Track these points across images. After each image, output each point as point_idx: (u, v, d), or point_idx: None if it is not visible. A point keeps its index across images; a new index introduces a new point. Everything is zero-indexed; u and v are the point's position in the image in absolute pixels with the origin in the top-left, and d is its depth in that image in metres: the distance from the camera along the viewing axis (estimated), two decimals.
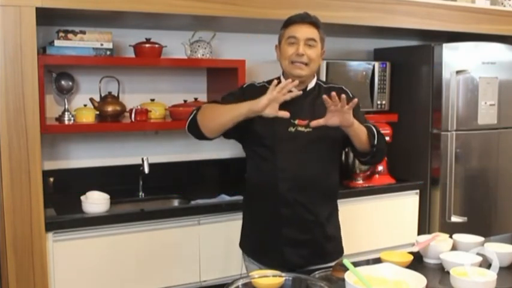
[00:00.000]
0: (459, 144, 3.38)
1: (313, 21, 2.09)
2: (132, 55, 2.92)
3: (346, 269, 1.57)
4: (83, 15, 2.57)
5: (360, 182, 3.23)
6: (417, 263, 1.91)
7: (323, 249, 2.14)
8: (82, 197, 2.56)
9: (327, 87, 2.20)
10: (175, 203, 2.96)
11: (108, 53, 2.79)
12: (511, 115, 3.58)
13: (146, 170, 2.89)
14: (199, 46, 3.00)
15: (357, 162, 3.16)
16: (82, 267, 2.47)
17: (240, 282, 1.57)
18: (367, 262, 1.93)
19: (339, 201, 2.25)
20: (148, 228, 2.59)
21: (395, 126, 3.39)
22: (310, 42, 2.07)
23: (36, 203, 2.35)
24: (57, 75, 2.82)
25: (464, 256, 1.85)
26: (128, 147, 3.12)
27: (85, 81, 2.98)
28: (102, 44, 2.77)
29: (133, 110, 2.83)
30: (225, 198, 2.84)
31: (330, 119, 1.96)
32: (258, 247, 2.20)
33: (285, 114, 1.97)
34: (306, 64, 2.06)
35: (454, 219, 3.37)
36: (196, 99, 3.11)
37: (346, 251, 2.25)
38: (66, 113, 2.77)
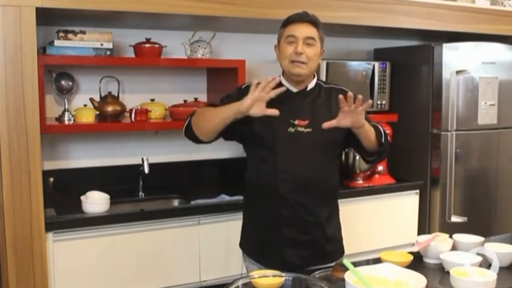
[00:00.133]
0: (459, 144, 3.38)
1: (312, 20, 2.09)
2: (132, 55, 2.92)
3: (346, 269, 1.57)
4: (83, 15, 2.57)
5: (360, 182, 3.23)
6: (417, 263, 1.91)
7: (323, 250, 2.14)
8: (82, 197, 2.56)
9: (327, 87, 2.20)
10: (175, 203, 2.96)
11: (108, 53, 2.79)
12: (511, 115, 3.58)
13: (146, 170, 2.89)
14: (199, 46, 3.00)
15: (356, 162, 3.16)
16: (82, 267, 2.47)
17: (240, 282, 1.57)
18: (367, 262, 1.93)
19: (339, 201, 2.25)
20: (148, 228, 2.59)
21: (395, 126, 3.39)
22: (309, 41, 2.06)
23: (36, 203, 2.35)
24: (57, 75, 2.82)
25: (464, 256, 1.85)
26: (128, 147, 3.12)
27: (85, 81, 2.98)
28: (102, 44, 2.77)
29: (133, 110, 2.83)
30: (225, 198, 2.84)
31: (342, 120, 1.96)
32: (258, 248, 2.20)
33: (274, 112, 1.97)
34: (305, 63, 2.06)
35: (454, 219, 3.37)
36: (196, 99, 3.11)
37: (346, 251, 2.25)
38: (66, 113, 2.77)
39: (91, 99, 2.83)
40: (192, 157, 3.26)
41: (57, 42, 2.68)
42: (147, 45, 2.87)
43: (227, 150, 3.30)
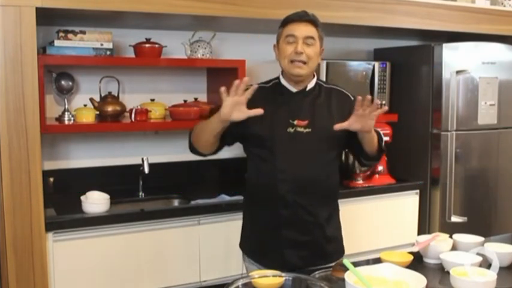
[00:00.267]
0: (459, 144, 3.38)
1: (311, 20, 2.08)
2: (132, 55, 2.92)
3: (346, 269, 1.57)
4: (83, 15, 2.57)
5: (360, 182, 3.23)
6: (417, 263, 1.91)
7: (323, 250, 2.13)
8: (82, 197, 2.56)
9: (328, 87, 2.19)
10: (175, 203, 2.96)
11: (108, 53, 2.79)
12: (511, 115, 3.58)
13: (146, 170, 2.89)
14: (199, 46, 3.00)
15: (357, 162, 3.16)
16: (82, 267, 2.47)
17: (240, 282, 1.57)
18: (367, 262, 1.93)
19: (339, 201, 2.25)
20: (148, 228, 2.59)
21: (395, 126, 3.39)
22: (309, 41, 2.06)
23: (36, 203, 2.34)
24: (57, 75, 2.82)
25: (464, 256, 1.85)
26: (128, 147, 3.12)
27: (85, 81, 2.98)
28: (102, 44, 2.77)
29: (133, 110, 2.83)
30: (225, 198, 2.84)
31: (354, 124, 1.96)
32: (258, 248, 2.19)
33: (258, 111, 1.95)
34: (305, 63, 2.05)
35: (454, 219, 3.37)
36: (196, 99, 3.12)
37: (346, 251, 2.25)
38: (66, 113, 2.77)
39: (91, 99, 2.83)
40: (192, 157, 3.21)
41: (57, 42, 2.68)
42: (147, 45, 2.87)
43: (227, 150, 3.26)
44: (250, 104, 2.10)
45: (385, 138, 2.02)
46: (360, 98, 1.92)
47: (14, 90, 2.28)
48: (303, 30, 2.05)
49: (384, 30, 3.25)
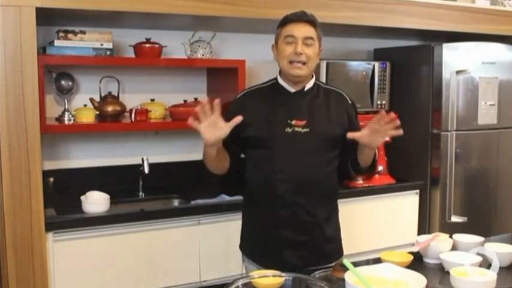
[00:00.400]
0: (459, 144, 3.38)
1: (310, 20, 2.08)
2: (132, 55, 2.92)
3: (346, 269, 1.57)
4: (83, 15, 2.57)
5: (360, 182, 3.23)
6: (417, 263, 1.91)
7: (322, 251, 2.13)
8: (82, 197, 2.56)
9: (326, 88, 2.20)
10: (175, 203, 2.96)
11: (108, 53, 2.79)
12: (511, 115, 3.58)
13: (146, 170, 2.90)
14: (199, 46, 3.00)
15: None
16: (82, 267, 2.47)
17: (240, 282, 1.57)
18: (367, 262, 1.93)
19: (339, 201, 2.25)
20: (148, 228, 2.59)
21: None
22: (308, 41, 2.05)
23: (36, 203, 2.34)
24: (57, 75, 2.82)
25: (464, 256, 1.85)
26: (128, 147, 3.12)
27: (85, 81, 2.98)
28: (102, 44, 2.77)
29: (133, 110, 2.83)
30: (225, 198, 2.84)
31: (365, 137, 1.95)
32: (257, 249, 2.19)
33: (236, 120, 1.91)
34: (305, 63, 2.05)
35: (454, 219, 3.37)
36: (196, 99, 3.11)
37: (346, 251, 2.25)
38: (66, 113, 2.77)
39: (91, 99, 2.83)
40: (192, 157, 3.25)
41: (57, 42, 2.68)
42: (147, 45, 2.87)
43: None
44: (249, 106, 2.12)
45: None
46: (382, 114, 1.91)
47: (14, 90, 2.28)
48: (302, 30, 2.05)
49: (384, 30, 3.25)
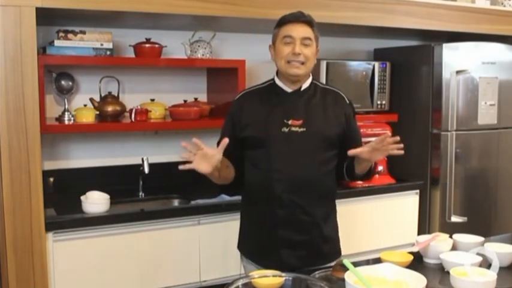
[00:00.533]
0: (459, 144, 3.38)
1: (307, 20, 2.08)
2: (132, 55, 2.92)
3: (346, 269, 1.57)
4: (83, 15, 2.57)
5: (360, 182, 3.22)
6: (417, 263, 1.91)
7: (320, 250, 2.13)
8: (82, 197, 2.56)
9: (323, 88, 2.21)
10: (175, 203, 2.96)
11: (108, 53, 2.79)
12: (511, 115, 3.58)
13: (146, 170, 2.90)
14: (199, 46, 3.00)
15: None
16: (82, 267, 2.47)
17: (240, 282, 1.57)
18: (367, 262, 1.93)
19: (339, 201, 2.25)
20: (148, 228, 2.59)
21: (395, 126, 3.39)
22: (306, 42, 2.06)
23: (36, 203, 2.34)
24: (57, 75, 2.82)
25: (464, 256, 1.85)
26: (128, 147, 3.12)
27: (85, 81, 2.98)
28: (102, 44, 2.77)
29: (133, 110, 2.83)
30: (225, 198, 2.84)
31: (366, 153, 1.97)
32: (255, 248, 2.19)
33: (224, 143, 1.92)
34: (303, 63, 2.06)
35: (454, 219, 3.37)
36: (196, 99, 3.12)
37: (346, 251, 2.25)
38: (66, 113, 2.77)
39: (91, 99, 2.83)
40: None
41: (57, 42, 2.68)
42: (147, 45, 2.87)
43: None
44: (247, 107, 2.13)
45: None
46: (386, 135, 1.94)
47: (14, 90, 2.28)
48: (299, 31, 2.05)
49: (383, 30, 3.25)
